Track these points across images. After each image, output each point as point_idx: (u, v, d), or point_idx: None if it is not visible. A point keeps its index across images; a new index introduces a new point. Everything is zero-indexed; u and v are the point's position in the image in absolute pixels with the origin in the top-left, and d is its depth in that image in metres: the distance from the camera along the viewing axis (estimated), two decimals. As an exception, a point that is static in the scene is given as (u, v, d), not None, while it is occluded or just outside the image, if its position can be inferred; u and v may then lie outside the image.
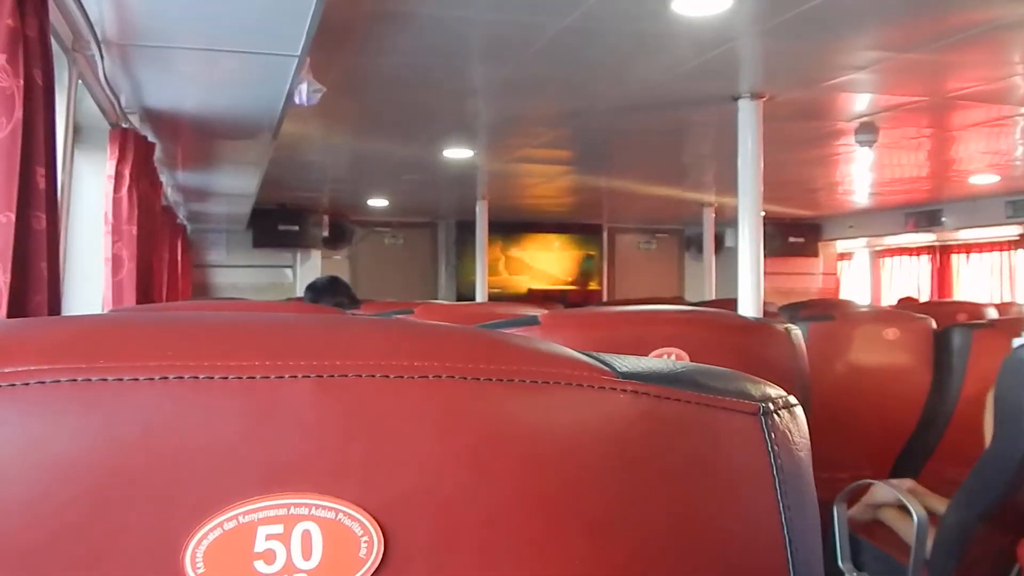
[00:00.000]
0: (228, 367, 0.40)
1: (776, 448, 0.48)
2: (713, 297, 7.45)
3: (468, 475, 0.42)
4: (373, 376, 0.42)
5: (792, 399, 0.51)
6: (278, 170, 5.70)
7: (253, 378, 0.40)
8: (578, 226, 9.75)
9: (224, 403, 0.40)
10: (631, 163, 5.88)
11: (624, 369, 0.47)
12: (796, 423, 0.50)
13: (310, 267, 8.53)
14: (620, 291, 9.99)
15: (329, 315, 0.50)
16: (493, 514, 0.42)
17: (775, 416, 0.49)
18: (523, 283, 9.65)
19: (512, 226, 9.46)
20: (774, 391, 0.50)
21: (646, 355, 1.13)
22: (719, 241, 8.73)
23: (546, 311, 1.23)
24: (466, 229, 8.86)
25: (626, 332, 1.17)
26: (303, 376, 0.41)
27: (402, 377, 0.42)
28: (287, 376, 0.41)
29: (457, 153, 5.35)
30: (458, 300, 8.91)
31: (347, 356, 0.42)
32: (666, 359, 1.14)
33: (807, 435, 0.50)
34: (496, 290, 9.17)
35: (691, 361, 1.14)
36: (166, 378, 0.40)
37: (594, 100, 3.90)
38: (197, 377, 0.40)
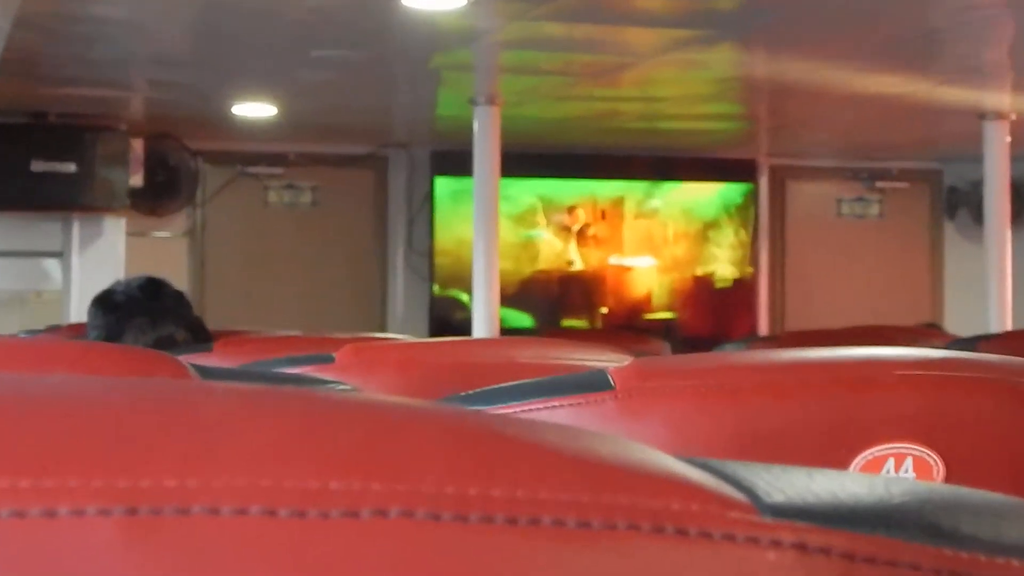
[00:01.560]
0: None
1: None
2: (1008, 326, 7.49)
3: None
4: (245, 512, 0.44)
5: None
6: (34, 38, 5.76)
7: (-3, 515, 0.43)
8: (703, 163, 9.94)
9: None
10: (822, 28, 5.99)
11: (779, 499, 0.48)
12: None
13: (102, 255, 8.70)
14: (797, 307, 10.18)
15: (149, 378, 0.52)
16: None
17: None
18: (580, 294, 9.83)
19: (558, 162, 9.60)
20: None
21: (845, 466, 1.17)
22: (1020, 199, 8.70)
23: (627, 359, 1.34)
24: (452, 168, 9.11)
25: (802, 411, 1.21)
26: (100, 510, 0.43)
27: (305, 515, 0.44)
28: (66, 511, 0.43)
29: (431, 1, 5.45)
30: (433, 332, 9.21)
31: (190, 470, 0.44)
32: (885, 474, 1.16)
33: None
34: (520, 306, 9.38)
35: (943, 478, 1.18)
36: None
37: None
38: None
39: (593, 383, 1.23)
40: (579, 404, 1.22)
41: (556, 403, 1.22)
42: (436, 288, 9.73)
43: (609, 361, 2.00)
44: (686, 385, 1.25)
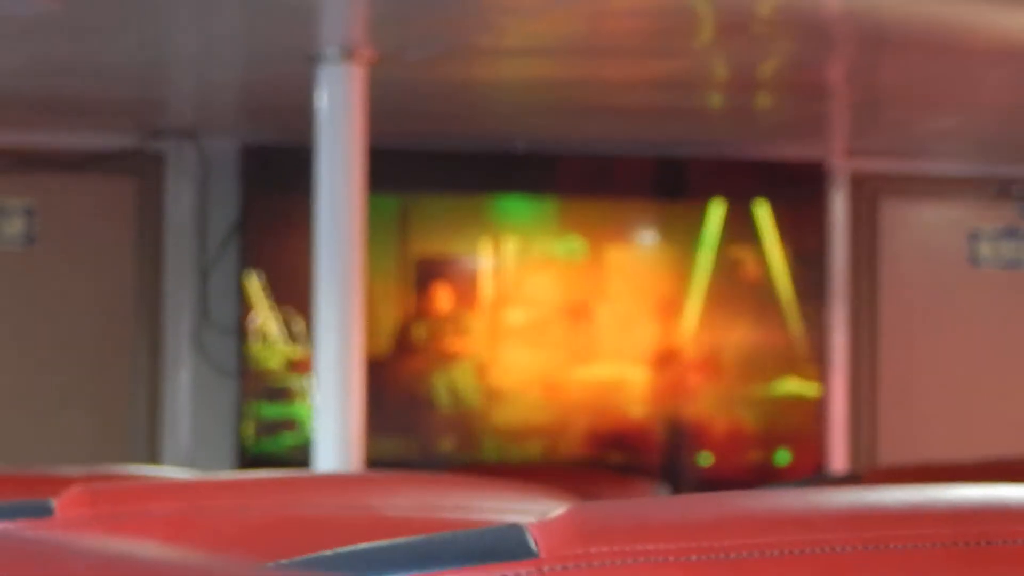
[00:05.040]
0: None
1: None
2: None
3: None
4: None
5: None
6: None
7: None
8: (723, 170, 8.69)
9: None
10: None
11: None
12: None
13: None
14: (897, 424, 8.72)
15: None
16: None
17: None
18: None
19: (480, 165, 8.42)
20: None
21: None
22: None
23: (566, 506, 1.30)
24: (283, 176, 8.08)
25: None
26: None
27: None
28: None
29: None
30: (245, 464, 8.20)
31: None
32: None
33: None
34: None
35: None
36: None
37: None
38: None
39: (501, 547, 1.15)
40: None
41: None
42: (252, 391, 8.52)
43: (536, 511, 1.69)
44: (658, 551, 1.15)
